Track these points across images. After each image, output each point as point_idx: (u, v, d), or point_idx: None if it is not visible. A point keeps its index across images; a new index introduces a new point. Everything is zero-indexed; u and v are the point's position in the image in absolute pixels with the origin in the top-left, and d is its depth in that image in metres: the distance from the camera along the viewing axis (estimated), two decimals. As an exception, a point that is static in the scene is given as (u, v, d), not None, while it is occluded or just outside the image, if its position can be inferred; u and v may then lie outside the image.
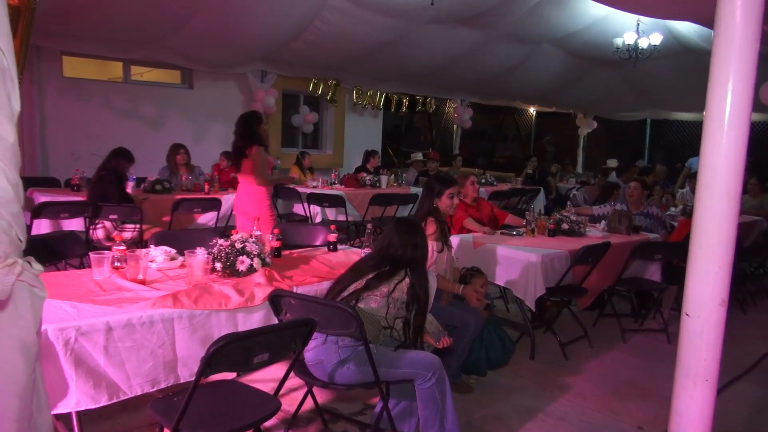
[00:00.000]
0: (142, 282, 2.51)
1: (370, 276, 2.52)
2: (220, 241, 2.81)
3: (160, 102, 7.73)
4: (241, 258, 2.74)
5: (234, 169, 7.16)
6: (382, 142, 11.37)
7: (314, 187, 7.35)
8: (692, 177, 8.03)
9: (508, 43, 8.51)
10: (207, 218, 5.99)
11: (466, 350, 3.39)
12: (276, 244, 3.22)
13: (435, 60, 8.69)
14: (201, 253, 2.66)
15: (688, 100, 10.77)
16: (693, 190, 7.81)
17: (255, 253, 2.78)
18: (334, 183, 7.73)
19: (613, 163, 10.51)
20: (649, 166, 9.07)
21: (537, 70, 9.59)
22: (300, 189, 7.13)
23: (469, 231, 4.78)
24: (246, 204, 4.57)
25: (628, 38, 7.84)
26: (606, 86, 10.76)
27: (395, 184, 8.17)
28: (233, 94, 8.36)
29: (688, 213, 6.39)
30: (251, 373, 2.97)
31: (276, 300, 2.43)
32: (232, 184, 7.09)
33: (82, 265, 3.72)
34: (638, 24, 7.83)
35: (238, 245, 2.78)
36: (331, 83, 9.06)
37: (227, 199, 6.02)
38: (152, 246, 2.94)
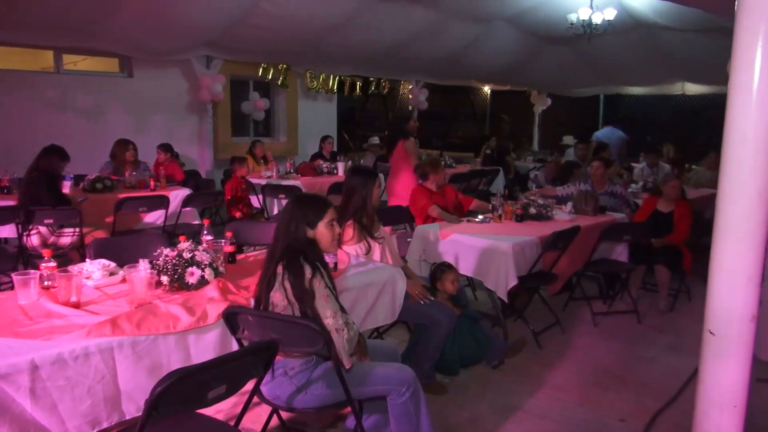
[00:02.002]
0: (76, 305, 2.20)
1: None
2: (166, 251, 2.51)
3: (96, 92, 7.21)
4: (190, 269, 2.45)
5: (174, 161, 6.86)
6: (338, 126, 11.05)
7: (268, 177, 7.02)
8: (649, 151, 8.06)
9: (462, 22, 8.30)
10: (155, 216, 5.60)
11: (439, 349, 3.21)
12: (229, 249, 2.94)
13: (388, 41, 8.42)
14: (144, 266, 2.36)
15: (640, 74, 10.85)
16: (649, 165, 7.86)
17: (206, 262, 2.50)
18: (290, 172, 7.42)
19: (569, 140, 10.52)
20: (605, 142, 9.08)
21: (491, 48, 9.43)
22: (254, 180, 6.79)
23: (434, 219, 4.59)
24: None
25: (582, 14, 7.74)
26: (560, 63, 10.71)
27: (353, 171, 7.89)
28: (177, 82, 7.89)
29: (649, 189, 6.38)
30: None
31: (232, 318, 2.17)
32: (174, 179, 6.70)
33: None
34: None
35: (187, 255, 2.49)
36: (282, 67, 8.67)
37: (175, 196, 5.64)
38: (88, 260, 2.61)
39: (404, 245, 4.51)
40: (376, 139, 9.66)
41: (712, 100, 11.78)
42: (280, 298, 2.14)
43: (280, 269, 2.14)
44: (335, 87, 9.70)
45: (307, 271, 2.13)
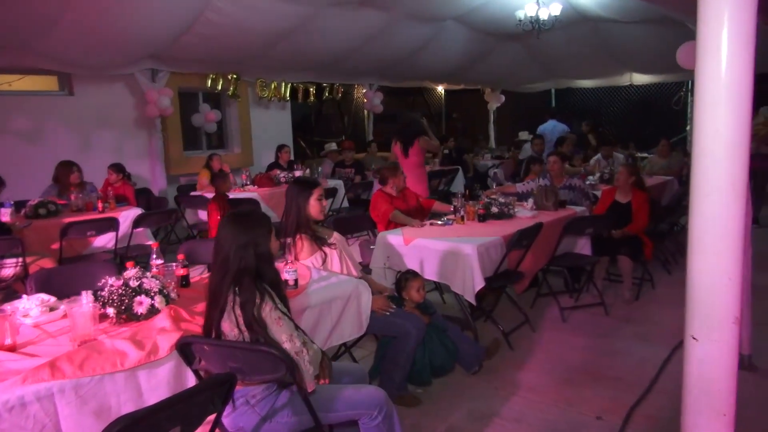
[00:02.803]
0: (11, 348, 2.00)
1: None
2: (111, 281, 2.33)
3: (35, 113, 6.84)
4: (138, 298, 2.28)
5: (126, 182, 6.58)
6: (293, 134, 10.86)
7: (225, 191, 6.79)
8: (603, 143, 8.17)
9: (412, 23, 8.26)
10: (105, 240, 5.34)
11: (410, 360, 3.11)
12: (182, 272, 2.77)
13: (339, 45, 8.30)
14: (86, 299, 2.18)
15: (589, 67, 11.05)
16: (604, 157, 7.96)
17: (155, 289, 2.33)
18: (246, 184, 7.21)
19: (524, 135, 10.62)
20: (562, 136, 9.20)
21: (443, 48, 9.42)
22: (209, 195, 6.57)
23: (396, 225, 4.50)
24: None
25: (529, 10, 7.81)
26: (511, 60, 10.80)
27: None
28: (122, 97, 7.57)
29: (606, 180, 6.45)
30: None
31: (186, 348, 2.01)
32: (125, 199, 6.44)
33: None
34: (538, -5, 7.81)
35: (134, 283, 2.31)
36: (232, 77, 8.44)
37: (126, 216, 5.39)
38: (24, 296, 2.41)
39: (368, 252, 4.40)
40: (333, 145, 9.51)
41: (658, 89, 12.09)
42: (230, 328, 2.00)
43: (230, 296, 2.00)
44: (288, 94, 9.51)
45: (257, 298, 2.00)
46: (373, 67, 9.86)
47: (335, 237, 3.31)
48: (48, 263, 4.63)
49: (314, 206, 3.17)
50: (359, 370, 2.53)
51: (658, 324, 4.34)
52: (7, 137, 6.62)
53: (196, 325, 2.21)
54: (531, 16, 7.83)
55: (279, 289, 2.10)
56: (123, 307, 2.26)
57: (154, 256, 2.77)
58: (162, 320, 2.20)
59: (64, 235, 4.74)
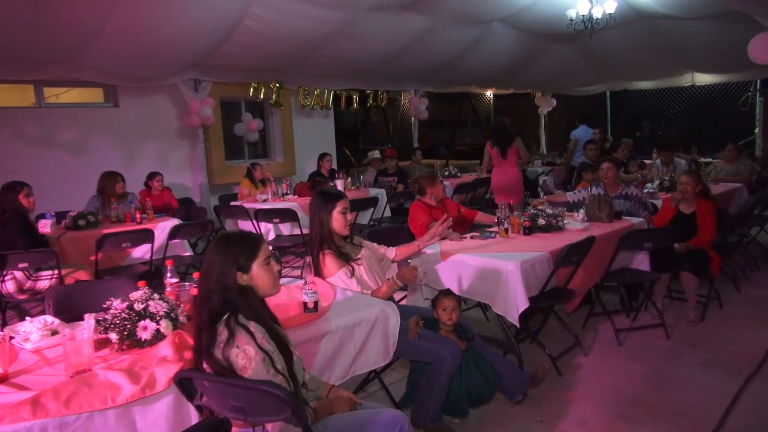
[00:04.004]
0: (3, 378, 1.86)
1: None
2: (116, 303, 2.17)
3: (81, 125, 6.94)
4: (143, 323, 2.11)
5: (168, 192, 6.60)
6: (337, 142, 10.75)
7: (264, 200, 6.71)
8: (662, 148, 7.64)
9: (457, 26, 7.97)
10: (142, 251, 5.30)
11: (445, 389, 2.84)
12: (196, 291, 2.58)
13: (382, 51, 8.10)
14: (87, 324, 2.02)
15: (646, 68, 10.44)
16: (664, 163, 7.44)
17: (162, 313, 2.16)
18: (286, 194, 7.09)
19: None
20: (611, 140, 8.70)
21: (490, 51, 9.08)
22: (248, 205, 6.49)
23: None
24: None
25: (582, 8, 7.38)
26: (562, 62, 10.33)
27: (353, 188, 7.57)
28: (165, 108, 7.62)
29: (667, 188, 5.97)
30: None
31: (186, 383, 1.82)
32: (167, 209, 6.44)
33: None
34: (590, -7, 7.38)
35: (138, 306, 2.14)
36: (274, 86, 8.37)
37: (162, 228, 5.33)
38: (27, 318, 2.28)
39: (404, 267, 4.14)
40: (376, 153, 9.31)
41: (723, 89, 11.34)
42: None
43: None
44: (330, 102, 9.38)
45: (222, 336, 1.77)
46: (417, 73, 9.62)
47: (363, 252, 3.09)
48: (83, 275, 4.61)
49: (338, 220, 2.96)
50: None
51: (727, 349, 3.89)
52: (55, 149, 6.73)
53: (201, 354, 2.01)
54: (583, 15, 7.40)
55: (267, 325, 1.86)
56: (126, 333, 2.09)
57: (169, 274, 2.61)
58: (164, 348, 2.02)
59: (99, 247, 4.71)
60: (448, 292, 3.12)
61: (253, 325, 1.81)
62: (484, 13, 7.88)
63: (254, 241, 1.98)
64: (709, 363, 3.68)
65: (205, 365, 1.79)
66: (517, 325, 3.37)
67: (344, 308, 2.55)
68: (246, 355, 1.75)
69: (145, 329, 2.10)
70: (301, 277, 2.88)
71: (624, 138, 10.36)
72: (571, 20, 7.49)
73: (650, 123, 9.86)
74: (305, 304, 2.41)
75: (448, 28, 7.93)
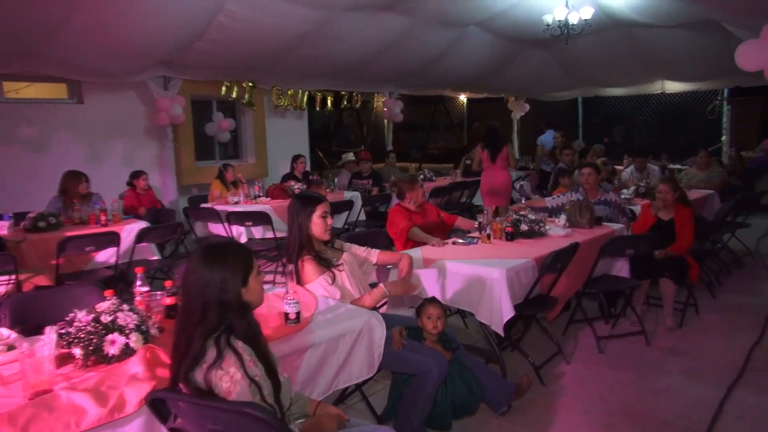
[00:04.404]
0: (-50, 400, 1.67)
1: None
2: (80, 315, 2.00)
3: (43, 121, 6.63)
4: (110, 337, 1.94)
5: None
6: (311, 144, 10.58)
7: (236, 203, 6.50)
8: (636, 155, 7.70)
9: (434, 28, 7.91)
10: (107, 255, 5.05)
11: (431, 401, 2.72)
12: (169, 301, 2.42)
13: (358, 52, 7.98)
14: (46, 339, 1.84)
15: (617, 74, 10.56)
16: (638, 169, 7.50)
17: (131, 326, 1.99)
18: (259, 196, 6.90)
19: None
20: (586, 147, 8.80)
21: (466, 55, 9.05)
22: (219, 207, 6.27)
23: (415, 243, 4.12)
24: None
25: (558, 13, 7.40)
26: (537, 67, 10.38)
27: (327, 191, 7.41)
28: (133, 105, 7.34)
29: (642, 194, 6.00)
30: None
31: (159, 404, 1.66)
32: (136, 211, 6.21)
33: None
34: (567, -2, 7.41)
35: (106, 318, 1.97)
36: (247, 85, 8.17)
37: (129, 231, 5.10)
38: (-18, 332, 2.08)
39: (384, 273, 4.03)
40: (350, 156, 9.18)
41: (692, 97, 11.57)
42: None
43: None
44: (305, 103, 9.21)
45: (209, 356, 1.63)
46: (393, 75, 9.53)
47: (344, 257, 2.96)
48: (43, 281, 4.35)
49: (318, 224, 2.83)
50: None
51: (707, 356, 3.88)
52: (14, 146, 6.41)
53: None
54: (560, 21, 7.42)
55: (257, 346, 1.72)
56: (91, 348, 1.91)
57: (139, 282, 2.44)
58: (134, 365, 1.85)
59: (61, 250, 4.46)
60: (433, 300, 3.02)
61: (240, 346, 1.66)
62: (462, 16, 7.84)
63: (248, 251, 1.84)
64: (690, 371, 3.65)
65: (181, 386, 1.64)
66: (502, 334, 3.29)
67: (327, 319, 2.41)
68: (231, 378, 1.60)
69: (113, 344, 1.93)
70: (274, 283, 2.75)
71: (595, 144, 10.49)
72: (548, 25, 7.50)
73: (623, 129, 9.99)
74: (287, 314, 2.27)
75: (425, 31, 7.86)
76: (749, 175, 8.80)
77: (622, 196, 5.69)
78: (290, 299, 2.27)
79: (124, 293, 4.31)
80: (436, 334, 2.89)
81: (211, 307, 1.67)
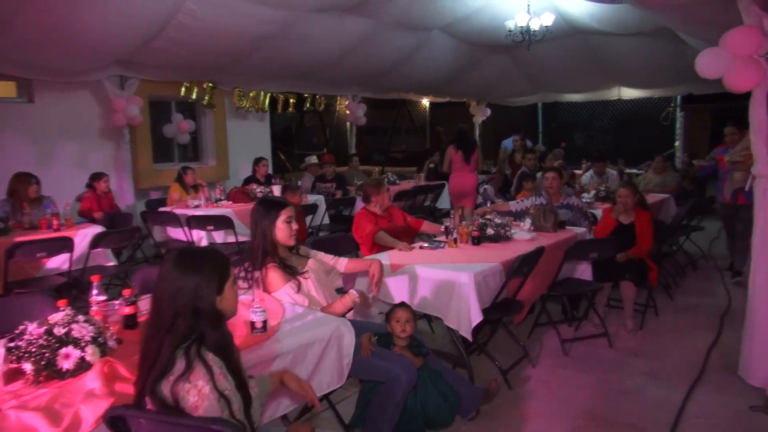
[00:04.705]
0: None
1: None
2: (31, 327, 1.88)
3: (-10, 121, 6.32)
4: (64, 350, 1.83)
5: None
6: (273, 146, 10.42)
7: (196, 206, 6.34)
8: (595, 159, 7.86)
9: (398, 32, 7.90)
10: (60, 260, 4.84)
11: (399, 409, 2.68)
12: (127, 310, 2.31)
13: (321, 54, 7.89)
14: (-5, 353, 1.72)
15: (576, 80, 10.78)
16: (598, 174, 7.65)
17: (87, 338, 1.88)
18: (220, 200, 6.74)
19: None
20: (544, 151, 8.97)
21: (429, 59, 9.08)
22: (179, 211, 6.10)
23: (381, 248, 4.08)
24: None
25: (520, 20, 7.50)
26: (498, 72, 10.50)
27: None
28: (87, 106, 7.07)
29: (603, 198, 6.11)
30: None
31: (118, 422, 1.56)
32: (92, 214, 5.99)
33: None
34: (528, 5, 7.51)
35: (59, 330, 1.86)
36: (207, 86, 7.98)
37: (83, 236, 4.90)
38: None
39: (350, 279, 3.97)
40: (313, 158, 9.09)
41: (647, 104, 11.92)
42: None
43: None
44: (267, 105, 9.07)
45: (178, 367, 1.55)
46: (356, 78, 9.48)
47: (310, 264, 2.89)
48: (-10, 289, 4.14)
49: (282, 230, 2.75)
50: None
51: (667, 358, 3.97)
52: (-41, 147, 6.09)
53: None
54: (522, 27, 7.52)
55: (229, 358, 1.65)
56: (44, 363, 1.80)
57: (95, 291, 2.32)
58: (91, 380, 1.75)
59: (10, 256, 4.24)
60: (402, 305, 2.97)
61: (211, 358, 1.58)
62: (426, 20, 7.86)
63: (225, 258, 1.77)
64: (652, 372, 3.72)
65: (147, 399, 1.55)
66: (470, 339, 3.27)
67: (295, 327, 2.34)
68: (199, 392, 1.52)
69: (68, 358, 1.82)
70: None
71: (555, 149, 10.70)
72: (510, 31, 7.59)
73: (583, 135, 10.23)
74: (253, 323, 2.19)
75: (388, 34, 7.85)
76: (700, 180, 9.12)
77: (583, 200, 5.78)
78: (256, 307, 2.19)
79: (79, 301, 4.15)
80: (405, 338, 2.85)
81: (183, 314, 1.59)
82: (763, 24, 2.98)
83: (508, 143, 10.59)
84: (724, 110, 9.88)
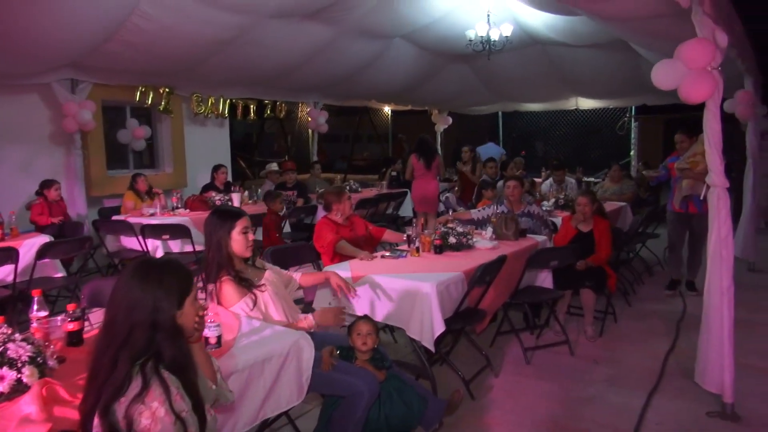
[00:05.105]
0: None
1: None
2: (-38, 348, 1.73)
3: (-72, 125, 5.99)
4: (-1, 372, 1.69)
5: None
6: (233, 153, 10.23)
7: (151, 215, 6.14)
8: (555, 167, 7.98)
9: (359, 39, 7.86)
10: (5, 272, 4.59)
11: (361, 424, 2.60)
12: (71, 326, 2.17)
13: (282, 60, 7.79)
14: None
15: (535, 90, 10.95)
16: (557, 182, 7.76)
17: (25, 358, 1.75)
18: (177, 208, 6.56)
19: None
20: (505, 160, 9.07)
21: (390, 67, 9.07)
22: (133, 219, 5.89)
23: (343, 257, 4.01)
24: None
25: (480, 29, 7.57)
26: (459, 81, 10.58)
27: (250, 202, 7.17)
28: (36, 109, 6.78)
29: (562, 207, 6.19)
30: None
31: (54, 449, 1.45)
32: (40, 221, 5.75)
33: None
34: (488, 15, 7.59)
35: (-7, 351, 1.72)
36: (164, 91, 7.76)
37: (30, 246, 4.67)
38: None
39: (311, 289, 3.88)
40: (274, 165, 8.95)
41: (603, 114, 12.22)
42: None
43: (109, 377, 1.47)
44: (226, 111, 8.88)
45: (134, 386, 1.45)
46: (318, 85, 9.40)
47: (267, 276, 2.79)
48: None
49: (238, 241, 2.64)
50: None
51: (626, 364, 4.01)
52: None
53: (76, 409, 1.64)
54: (482, 37, 7.60)
55: (186, 377, 1.55)
56: (-25, 386, 1.66)
57: (36, 306, 2.17)
58: (27, 404, 1.62)
59: (-53, 269, 4.00)
60: (364, 317, 2.91)
61: (167, 376, 1.48)
62: (387, 29, 7.85)
63: (188, 272, 1.67)
64: (612, 379, 3.75)
65: (97, 420, 1.44)
66: (432, 350, 3.23)
67: (252, 341, 2.25)
68: (153, 415, 1.41)
69: (2, 380, 1.69)
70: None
71: (516, 157, 10.84)
72: (471, 41, 7.65)
73: (543, 143, 10.41)
74: (206, 339, 2.09)
75: (350, 41, 7.80)
76: (654, 189, 9.36)
77: (543, 209, 5.84)
78: (211, 322, 2.09)
79: (23, 314, 3.94)
80: (366, 351, 2.78)
81: (140, 327, 1.49)
82: (716, 37, 3.05)
83: (484, 150, 10.60)
84: (676, 120, 10.20)
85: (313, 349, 2.36)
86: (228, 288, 2.61)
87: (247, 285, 2.67)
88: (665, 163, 5.80)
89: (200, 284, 2.61)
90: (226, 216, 2.69)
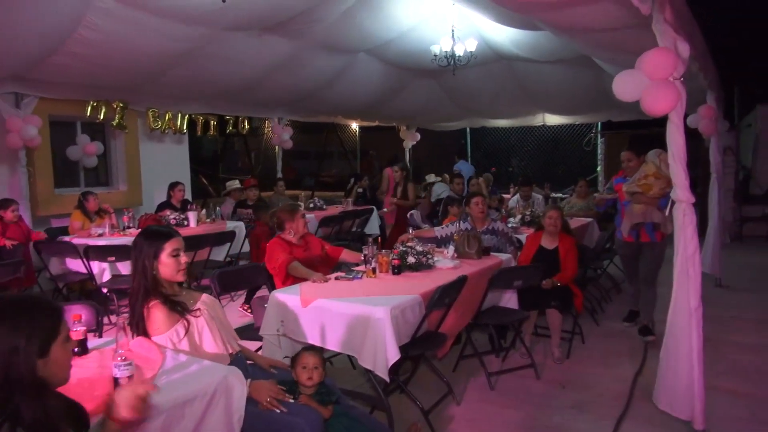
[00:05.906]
0: None
1: None
2: None
3: None
4: None
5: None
6: (195, 171, 9.91)
7: (99, 235, 5.80)
8: (522, 183, 7.87)
9: (322, 54, 7.69)
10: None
11: (304, 467, 2.35)
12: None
13: (243, 74, 7.56)
14: None
15: (502, 106, 10.91)
16: (523, 198, 7.65)
17: None
18: (129, 227, 6.22)
19: (431, 178, 10.16)
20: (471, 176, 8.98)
21: (356, 82, 8.92)
22: (77, 241, 5.55)
23: (296, 279, 3.76)
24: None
25: (444, 44, 7.47)
26: (426, 97, 10.48)
27: (208, 220, 6.87)
28: (-22, 125, 6.41)
29: (528, 223, 6.05)
30: None
31: None
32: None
33: None
34: (453, 30, 7.51)
35: None
36: (117, 105, 7.44)
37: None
38: None
39: (261, 312, 3.62)
40: (236, 183, 8.66)
41: (570, 130, 12.25)
42: None
43: None
44: (185, 127, 8.58)
45: None
46: (282, 100, 9.18)
47: (203, 299, 2.54)
48: None
49: (168, 265, 2.39)
50: None
51: (595, 388, 3.83)
52: None
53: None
54: (446, 52, 7.49)
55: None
56: None
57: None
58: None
59: None
60: (310, 348, 2.66)
61: None
62: (350, 43, 7.70)
63: (55, 310, 1.40)
64: (579, 405, 3.56)
65: None
66: (387, 380, 2.99)
67: (172, 380, 1.99)
68: None
69: None
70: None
71: (485, 173, 10.74)
72: (435, 55, 7.55)
73: (511, 159, 10.37)
74: (116, 380, 1.83)
75: (313, 55, 7.63)
76: (602, 216, 9.23)
77: (509, 225, 5.69)
78: (121, 361, 1.83)
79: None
80: (311, 386, 2.53)
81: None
82: (678, 47, 2.94)
83: (461, 169, 10.57)
84: (642, 136, 10.23)
85: (245, 386, 2.11)
86: (157, 313, 2.35)
87: (179, 310, 2.41)
88: (610, 184, 5.55)
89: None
90: (154, 236, 2.43)
